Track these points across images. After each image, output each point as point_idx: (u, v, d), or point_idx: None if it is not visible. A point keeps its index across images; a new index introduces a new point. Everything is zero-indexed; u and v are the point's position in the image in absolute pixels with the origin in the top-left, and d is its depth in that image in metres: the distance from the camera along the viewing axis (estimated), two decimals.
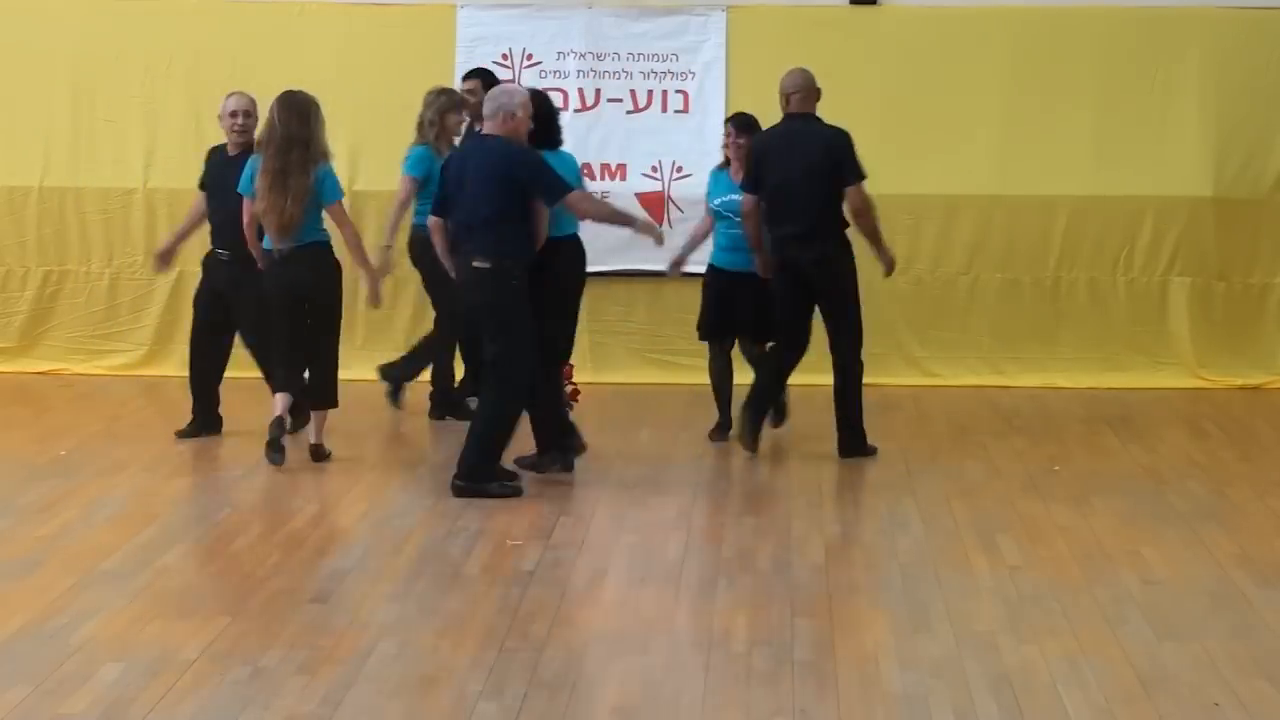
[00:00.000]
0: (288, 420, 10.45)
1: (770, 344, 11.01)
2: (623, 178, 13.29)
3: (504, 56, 13.36)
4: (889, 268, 10.97)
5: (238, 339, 11.16)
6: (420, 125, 11.40)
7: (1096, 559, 8.65)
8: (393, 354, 12.23)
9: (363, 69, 13.25)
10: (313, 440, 10.48)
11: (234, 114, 10.96)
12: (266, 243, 10.42)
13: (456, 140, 11.30)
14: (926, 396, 12.91)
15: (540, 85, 12.66)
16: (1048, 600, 7.95)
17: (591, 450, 10.49)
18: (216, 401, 11.20)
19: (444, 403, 11.79)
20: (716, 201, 11.13)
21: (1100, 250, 13.37)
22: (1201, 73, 13.26)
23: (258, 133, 10.59)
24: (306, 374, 10.50)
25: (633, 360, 13.39)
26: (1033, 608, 7.86)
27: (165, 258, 11.42)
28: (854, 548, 9.02)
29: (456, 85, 11.99)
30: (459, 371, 11.87)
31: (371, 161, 12.95)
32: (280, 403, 10.37)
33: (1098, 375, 13.28)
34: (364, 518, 9.47)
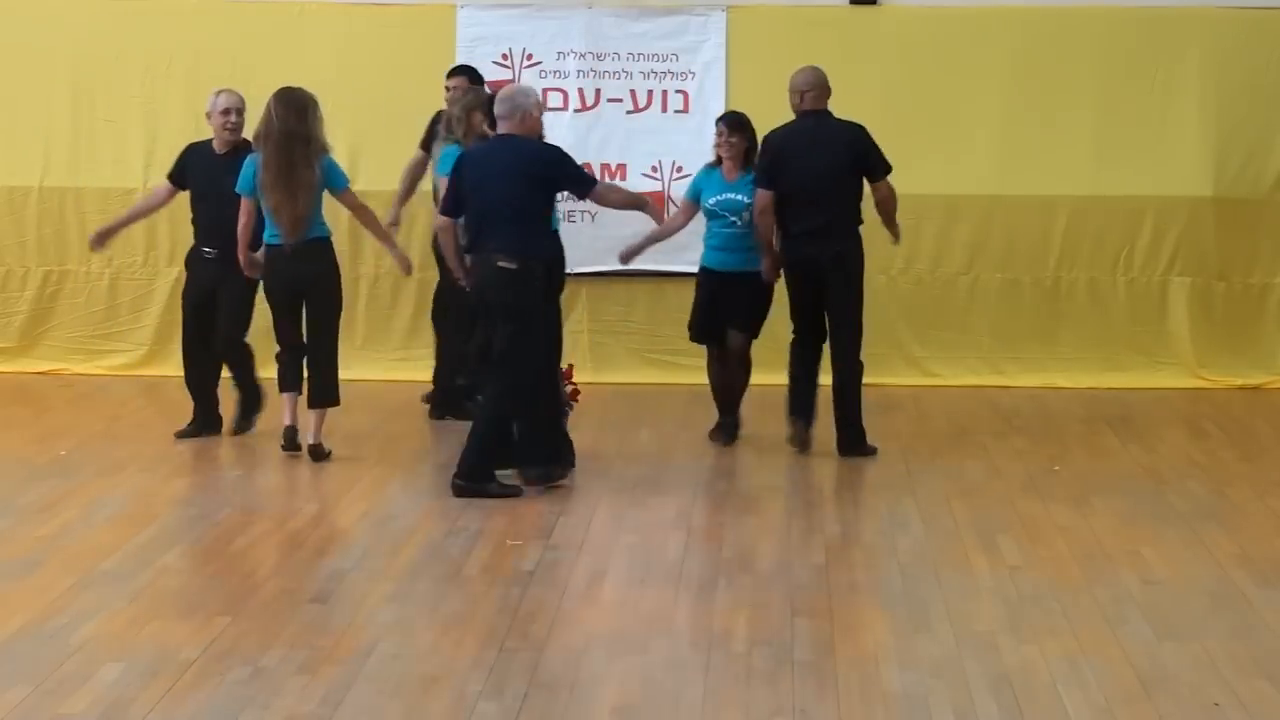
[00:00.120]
0: (298, 425, 10.46)
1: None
2: (623, 178, 13.24)
3: (504, 56, 13.35)
4: (898, 238, 11.09)
5: None
6: (447, 122, 11.31)
7: (1096, 559, 8.65)
8: (392, 353, 12.17)
9: (363, 69, 13.23)
10: (312, 440, 10.47)
11: (226, 112, 10.91)
12: (268, 238, 10.42)
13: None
14: (926, 396, 12.91)
15: (540, 85, 12.69)
16: (1048, 600, 7.95)
17: (591, 450, 10.49)
18: (216, 402, 11.19)
19: (444, 403, 11.78)
20: (711, 200, 11.05)
21: (1100, 250, 13.36)
22: (1201, 73, 13.25)
23: (252, 130, 10.58)
24: (306, 374, 10.52)
25: (633, 360, 13.37)
26: (1033, 608, 7.86)
27: (103, 238, 11.46)
28: (854, 548, 9.01)
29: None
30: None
31: (371, 161, 12.93)
32: (288, 406, 10.40)
33: (1098, 375, 13.27)
34: (364, 518, 9.46)
